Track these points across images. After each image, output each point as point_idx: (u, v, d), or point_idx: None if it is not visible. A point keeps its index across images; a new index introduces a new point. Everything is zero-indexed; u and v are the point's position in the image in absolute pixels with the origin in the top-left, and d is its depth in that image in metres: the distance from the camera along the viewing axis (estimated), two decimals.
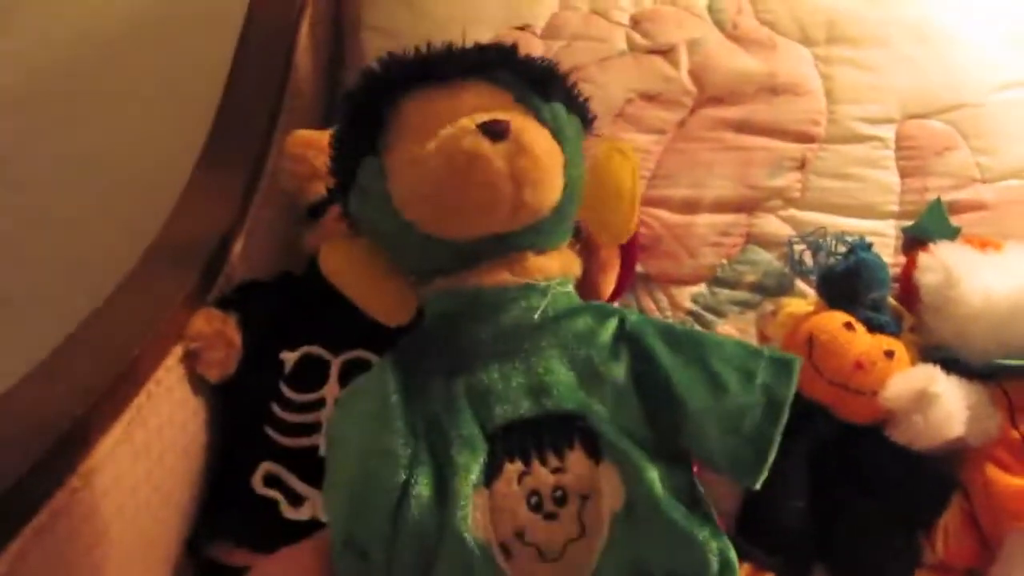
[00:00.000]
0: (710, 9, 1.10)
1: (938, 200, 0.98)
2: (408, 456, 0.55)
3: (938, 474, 0.85)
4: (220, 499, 0.84)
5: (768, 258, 1.00)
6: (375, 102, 0.63)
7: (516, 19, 1.08)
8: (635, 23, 1.09)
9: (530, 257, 0.63)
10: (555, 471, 0.55)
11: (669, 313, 0.98)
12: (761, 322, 0.97)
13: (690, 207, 1.01)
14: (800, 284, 0.99)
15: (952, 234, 0.95)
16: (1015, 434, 0.83)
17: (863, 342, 0.85)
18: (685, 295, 0.99)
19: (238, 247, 0.92)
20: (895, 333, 0.89)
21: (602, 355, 0.60)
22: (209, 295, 0.86)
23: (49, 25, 1.33)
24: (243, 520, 0.81)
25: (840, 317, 0.87)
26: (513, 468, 0.55)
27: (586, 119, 0.69)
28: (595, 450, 0.56)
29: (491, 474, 0.55)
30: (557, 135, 0.63)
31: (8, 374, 0.70)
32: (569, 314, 0.62)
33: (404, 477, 0.54)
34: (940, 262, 0.89)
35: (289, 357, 0.85)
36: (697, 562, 0.56)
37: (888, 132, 1.05)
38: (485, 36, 1.04)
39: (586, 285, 0.86)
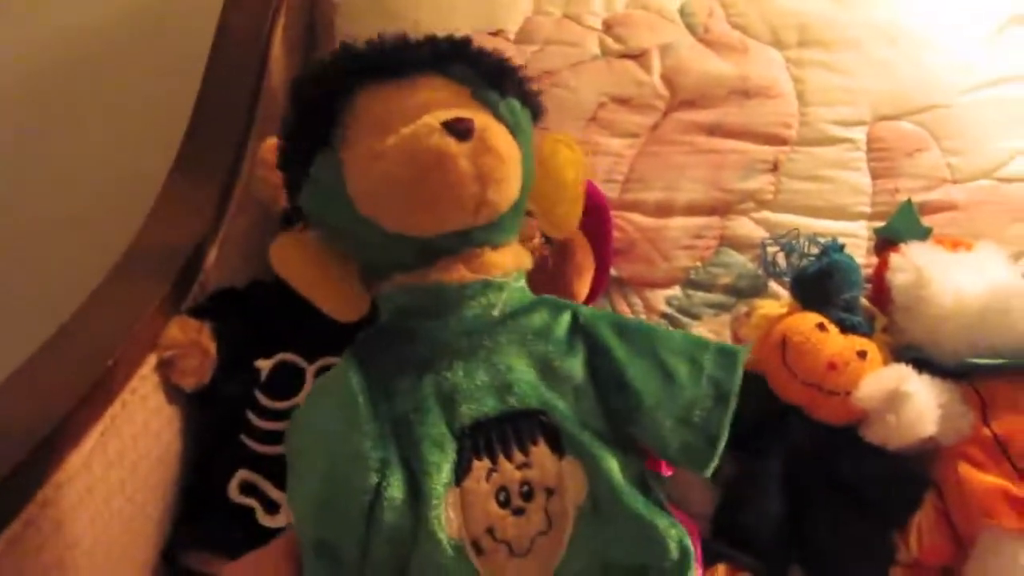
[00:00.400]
0: (682, 13, 1.11)
1: (909, 201, 0.98)
2: (378, 458, 0.55)
3: (911, 473, 0.85)
4: (196, 507, 0.84)
5: (741, 260, 1.00)
6: (327, 93, 0.62)
7: (489, 24, 1.08)
8: (608, 28, 1.09)
9: (487, 252, 0.63)
10: (521, 467, 0.56)
11: (644, 316, 0.98)
12: (735, 324, 0.98)
13: (663, 210, 1.01)
14: (773, 286, 0.99)
15: (923, 235, 0.96)
16: (987, 432, 0.83)
17: (836, 343, 0.86)
18: (660, 298, 0.99)
19: (212, 255, 0.92)
20: (867, 333, 0.89)
21: (559, 350, 0.61)
22: (183, 303, 0.86)
23: (19, 33, 1.32)
24: (219, 528, 0.80)
25: (813, 318, 0.88)
26: (481, 465, 0.56)
27: (537, 113, 0.69)
28: (558, 445, 0.57)
29: (460, 472, 0.55)
30: (513, 131, 0.63)
31: None
32: (525, 309, 0.63)
33: (376, 480, 0.54)
34: (911, 263, 0.90)
35: (264, 365, 0.85)
36: (658, 550, 0.57)
37: (859, 134, 1.05)
38: None
39: (560, 289, 0.87)
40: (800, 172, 1.03)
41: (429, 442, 0.56)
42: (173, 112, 1.03)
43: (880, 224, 1.00)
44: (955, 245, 0.94)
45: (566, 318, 0.63)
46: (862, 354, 0.86)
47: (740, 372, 0.63)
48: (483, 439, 0.57)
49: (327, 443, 0.56)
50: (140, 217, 0.92)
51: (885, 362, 0.87)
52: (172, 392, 0.82)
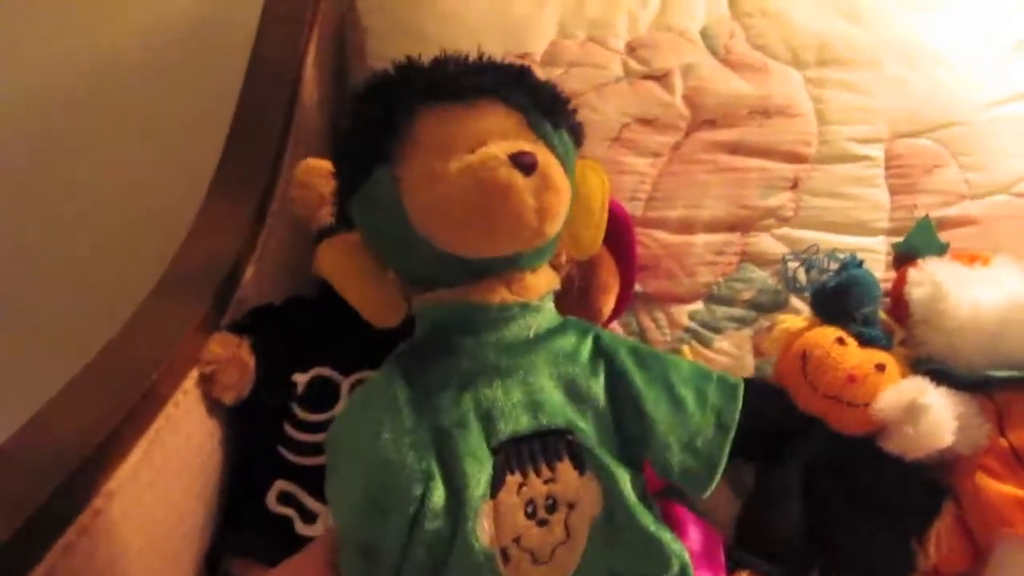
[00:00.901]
0: (703, 35, 1.12)
1: (926, 217, 0.99)
2: (423, 468, 0.57)
3: (930, 482, 0.87)
4: (236, 517, 0.86)
5: (763, 276, 1.02)
6: (389, 109, 0.62)
7: (516, 47, 1.10)
8: (631, 50, 1.11)
9: (527, 276, 0.64)
10: (547, 481, 0.58)
11: (668, 331, 1.00)
12: (757, 338, 0.99)
13: (686, 227, 1.03)
14: (794, 300, 1.01)
15: (941, 250, 0.97)
16: (1003, 443, 0.85)
17: (855, 356, 0.88)
18: (683, 313, 1.01)
19: (249, 273, 0.94)
20: (886, 347, 0.90)
21: (584, 373, 0.63)
22: (223, 320, 0.88)
23: (59, 58, 1.35)
24: (259, 537, 0.82)
25: (833, 332, 0.89)
26: (513, 480, 0.58)
27: (579, 143, 0.70)
28: (579, 462, 0.59)
29: (496, 486, 0.57)
30: (563, 162, 0.64)
31: (29, 401, 0.72)
32: (555, 332, 0.65)
33: (420, 490, 0.56)
34: (929, 277, 0.91)
35: (301, 379, 0.87)
36: (662, 563, 0.59)
37: (878, 151, 1.07)
38: None
39: (587, 306, 0.89)
40: (820, 189, 1.05)
41: (470, 457, 0.57)
42: (210, 136, 1.05)
43: (898, 240, 1.01)
44: (972, 260, 0.95)
45: (589, 341, 0.65)
46: (881, 367, 0.87)
47: (740, 403, 0.65)
48: (515, 455, 0.59)
49: (374, 450, 0.57)
50: (180, 238, 0.94)
51: (903, 375, 0.88)
52: (213, 406, 0.84)
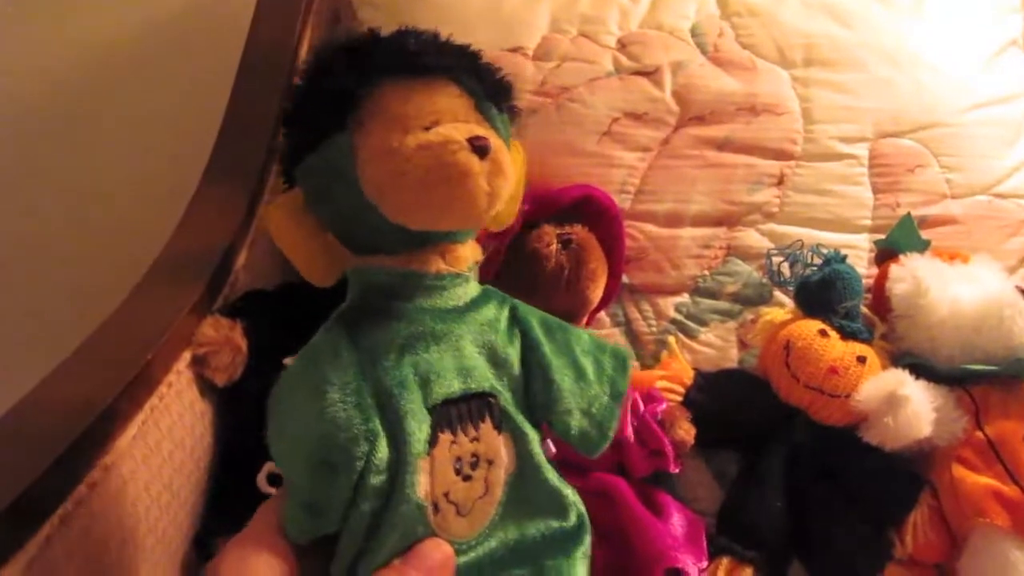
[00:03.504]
0: (693, 33, 1.13)
1: (908, 215, 1.00)
2: (368, 427, 0.59)
3: (908, 473, 0.88)
4: (226, 497, 0.86)
5: (748, 269, 1.03)
6: (352, 78, 0.63)
7: (509, 41, 1.11)
8: (622, 46, 1.12)
9: (459, 248, 0.67)
10: (473, 440, 0.61)
11: (654, 322, 1.01)
12: (741, 330, 1.01)
13: (674, 221, 1.04)
14: (778, 294, 1.02)
15: (922, 247, 0.98)
16: (980, 435, 0.86)
17: (837, 348, 0.89)
18: (669, 305, 1.02)
19: (242, 258, 0.94)
20: (867, 340, 0.92)
21: (503, 341, 0.66)
22: (215, 304, 0.88)
23: (52, 42, 1.35)
24: (249, 517, 0.83)
25: (815, 325, 0.91)
26: (445, 438, 0.60)
27: (513, 122, 0.73)
28: (498, 423, 0.62)
29: (431, 443, 0.60)
30: (505, 144, 0.67)
31: (23, 384, 0.72)
32: (480, 300, 0.67)
33: (366, 447, 0.58)
34: (910, 273, 0.93)
35: (292, 361, 0.88)
36: (564, 513, 0.64)
37: (862, 150, 1.08)
38: None
39: (576, 295, 0.91)
40: (805, 186, 1.06)
41: (411, 416, 0.59)
42: (205, 121, 1.05)
43: (881, 237, 1.03)
44: (952, 257, 0.97)
45: (507, 311, 0.68)
46: (862, 359, 0.89)
47: (630, 375, 0.69)
48: (447, 415, 0.61)
49: (322, 409, 0.59)
50: (173, 221, 0.94)
51: (884, 367, 0.90)
52: (205, 387, 0.84)
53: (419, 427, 0.59)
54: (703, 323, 1.01)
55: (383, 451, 0.58)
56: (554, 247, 0.88)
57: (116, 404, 0.72)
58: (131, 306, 0.84)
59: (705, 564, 0.85)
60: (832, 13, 1.15)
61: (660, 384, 0.92)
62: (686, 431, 0.87)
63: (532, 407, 0.66)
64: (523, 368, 0.66)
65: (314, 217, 0.66)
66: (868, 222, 1.06)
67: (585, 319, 0.97)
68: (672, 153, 1.07)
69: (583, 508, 0.66)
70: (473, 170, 0.60)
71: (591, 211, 0.93)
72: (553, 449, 0.77)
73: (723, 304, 1.02)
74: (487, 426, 0.62)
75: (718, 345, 1.01)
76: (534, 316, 0.69)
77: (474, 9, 1.13)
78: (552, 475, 0.64)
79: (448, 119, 0.63)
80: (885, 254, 1.00)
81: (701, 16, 1.15)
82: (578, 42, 1.12)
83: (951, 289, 0.91)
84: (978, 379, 0.89)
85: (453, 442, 0.60)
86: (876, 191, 1.07)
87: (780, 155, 1.07)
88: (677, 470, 0.87)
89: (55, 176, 1.35)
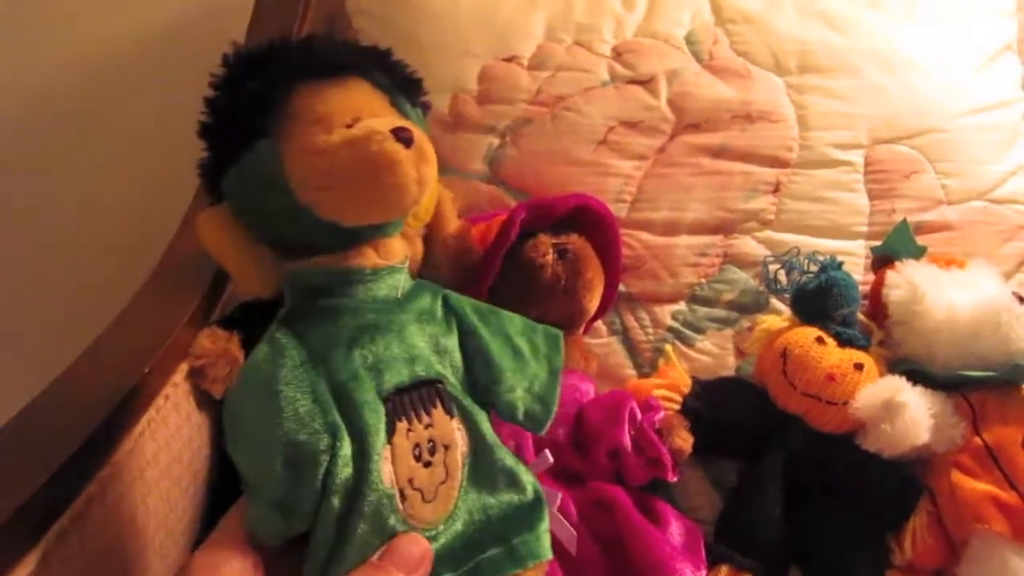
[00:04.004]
0: (688, 40, 1.14)
1: (904, 221, 1.00)
2: (329, 422, 0.59)
3: (906, 479, 0.88)
4: (224, 509, 0.86)
5: (744, 277, 1.03)
6: (266, 84, 0.64)
7: (504, 50, 1.12)
8: (617, 54, 1.12)
9: (391, 241, 0.68)
10: (427, 427, 0.62)
11: (651, 330, 1.01)
12: (738, 338, 1.01)
13: (670, 229, 1.04)
14: (775, 301, 1.02)
15: (918, 253, 0.98)
16: (978, 441, 0.86)
17: (834, 356, 0.89)
18: (666, 313, 1.02)
19: None
20: (864, 347, 0.92)
21: (442, 329, 0.68)
22: (212, 315, 0.88)
23: (48, 48, 1.35)
24: None
25: (812, 332, 0.91)
26: (402, 426, 0.61)
27: (426, 115, 0.75)
28: (449, 408, 0.64)
29: (389, 432, 0.61)
30: None
31: (20, 396, 0.72)
32: (415, 292, 0.69)
33: (330, 442, 0.59)
34: (906, 279, 0.93)
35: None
36: (520, 490, 0.65)
37: (858, 157, 1.08)
38: (474, 67, 1.09)
39: (573, 304, 0.90)
40: (801, 193, 1.07)
41: (368, 407, 0.61)
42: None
43: (877, 243, 1.03)
44: (949, 263, 0.97)
45: (440, 301, 0.70)
46: (859, 366, 0.89)
47: (563, 350, 0.71)
48: (400, 404, 0.62)
49: (281, 409, 0.59)
50: (170, 232, 0.95)
51: (881, 374, 0.90)
52: (202, 399, 0.84)
53: (376, 417, 0.61)
54: (700, 331, 1.02)
55: (347, 443, 0.59)
56: (550, 257, 0.88)
57: (113, 417, 0.72)
58: (128, 317, 0.84)
59: (704, 573, 0.84)
60: (826, 19, 1.15)
61: (658, 393, 0.92)
62: (684, 439, 0.87)
63: (475, 391, 0.67)
64: (463, 354, 0.68)
65: (244, 228, 0.68)
66: (864, 228, 1.06)
67: (582, 328, 0.97)
68: (668, 161, 1.07)
69: (538, 484, 0.67)
70: (400, 159, 0.62)
71: (587, 220, 0.93)
72: (551, 460, 0.78)
73: (720, 312, 1.02)
74: (439, 412, 0.63)
75: (715, 353, 1.01)
76: (466, 303, 0.70)
77: (469, 19, 1.13)
78: (506, 453, 0.65)
79: (367, 114, 0.65)
80: (881, 260, 1.00)
81: (696, 24, 1.15)
82: (573, 51, 1.13)
83: (947, 295, 0.91)
84: (975, 385, 0.89)
85: (409, 430, 0.62)
86: (872, 197, 1.07)
87: (776, 162, 1.07)
88: (675, 479, 0.86)
89: (52, 183, 1.35)
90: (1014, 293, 0.90)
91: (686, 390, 0.94)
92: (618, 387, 0.96)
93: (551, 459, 0.79)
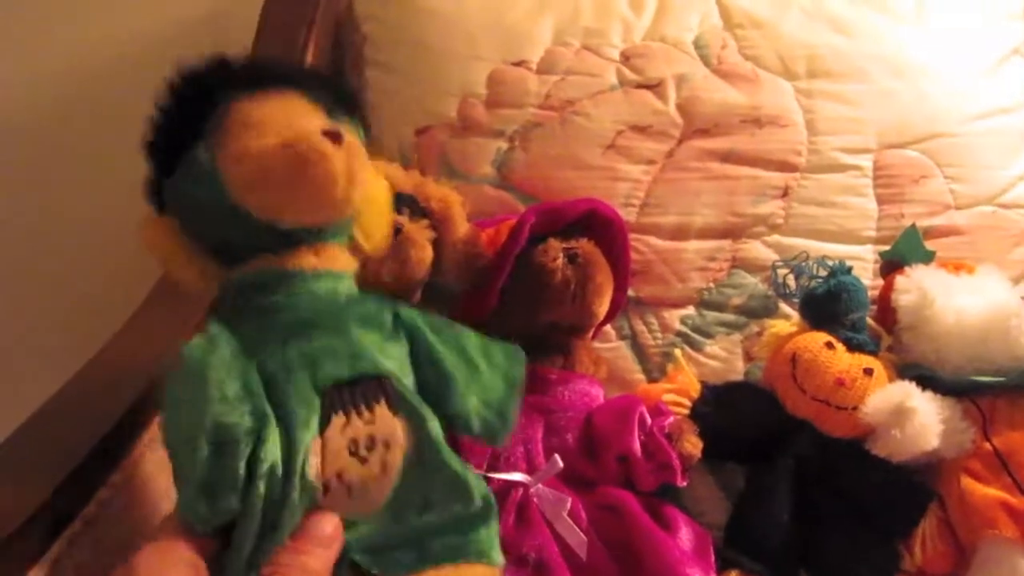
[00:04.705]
0: (696, 45, 1.13)
1: (914, 226, 1.00)
2: (257, 409, 0.60)
3: (915, 485, 0.88)
4: None
5: (753, 282, 1.03)
6: (205, 93, 0.66)
7: (512, 55, 1.11)
8: (625, 59, 1.12)
9: (332, 247, 0.69)
10: (367, 423, 0.62)
11: (660, 335, 1.01)
12: (747, 343, 1.01)
13: (679, 234, 1.04)
14: (784, 306, 1.02)
15: (927, 258, 0.98)
16: (988, 446, 0.86)
17: (843, 360, 0.89)
18: (675, 317, 1.02)
19: None
20: (873, 352, 0.92)
21: (387, 335, 0.68)
22: None
23: (59, 53, 1.35)
24: None
25: (821, 337, 0.91)
26: (338, 421, 0.62)
27: (366, 131, 0.76)
28: (394, 404, 0.64)
29: (322, 425, 0.61)
30: None
31: (26, 406, 0.73)
32: (360, 299, 0.70)
33: (257, 428, 0.59)
34: (916, 284, 0.93)
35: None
36: (467, 497, 0.66)
37: (866, 161, 1.08)
38: (483, 71, 1.10)
39: (582, 308, 0.91)
40: (809, 198, 1.06)
41: (298, 399, 0.61)
42: None
43: (885, 248, 1.03)
44: (958, 268, 0.97)
45: (389, 312, 0.70)
46: (868, 371, 0.88)
47: (524, 364, 0.72)
48: (338, 398, 0.63)
49: (209, 394, 0.59)
50: None
51: (890, 379, 0.89)
52: None
53: (308, 410, 0.61)
54: (709, 336, 1.01)
55: (274, 432, 0.59)
56: (560, 261, 0.88)
57: (123, 424, 0.73)
58: (136, 324, 0.86)
59: None
60: (834, 23, 1.15)
61: (667, 398, 0.92)
62: (693, 444, 0.87)
63: (430, 403, 0.67)
64: (414, 366, 0.68)
65: (186, 236, 0.68)
66: (873, 233, 1.06)
67: (591, 333, 0.97)
68: (677, 166, 1.07)
69: (488, 490, 0.67)
70: (328, 153, 0.63)
71: (597, 225, 0.93)
72: (560, 465, 0.77)
73: (729, 317, 1.02)
74: (382, 408, 0.63)
75: (724, 357, 1.01)
76: (419, 316, 0.71)
77: (477, 23, 1.13)
78: (454, 460, 0.66)
79: (302, 123, 0.66)
80: (890, 265, 1.00)
81: (704, 28, 1.15)
82: (582, 55, 1.12)
83: (957, 300, 0.91)
84: (985, 390, 0.89)
85: (347, 424, 0.62)
86: (880, 202, 1.07)
87: (784, 167, 1.07)
88: (684, 484, 0.86)
89: (53, 195, 1.35)
90: None
91: (695, 395, 0.93)
92: (627, 392, 0.96)
93: (560, 464, 0.79)
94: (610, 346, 1.01)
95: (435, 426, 0.65)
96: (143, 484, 0.74)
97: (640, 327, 1.02)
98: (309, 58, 1.15)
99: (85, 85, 1.36)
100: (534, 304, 0.88)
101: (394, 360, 0.67)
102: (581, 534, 0.79)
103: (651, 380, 1.00)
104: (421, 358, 0.69)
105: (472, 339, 0.72)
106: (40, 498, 0.63)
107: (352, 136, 0.67)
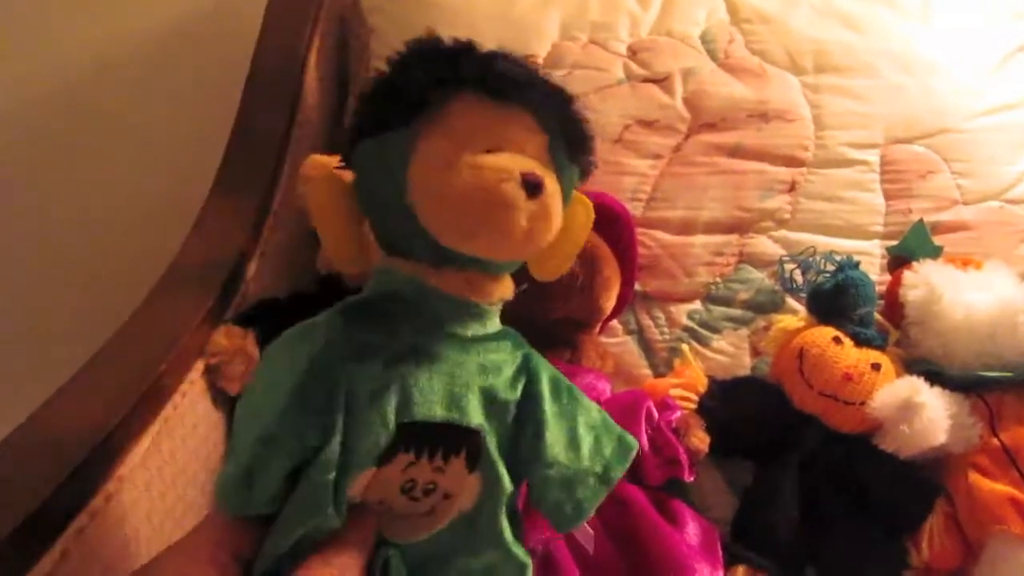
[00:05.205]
0: (703, 39, 1.14)
1: (921, 221, 1.00)
2: (327, 423, 0.58)
3: (923, 480, 0.88)
4: None
5: (760, 276, 1.03)
6: (431, 80, 0.61)
7: (520, 48, 1.05)
8: (632, 53, 1.12)
9: (487, 279, 0.65)
10: (435, 470, 0.60)
11: (667, 330, 1.01)
12: (754, 337, 1.01)
13: (686, 228, 1.04)
14: (791, 301, 1.02)
15: (935, 253, 0.98)
16: (995, 442, 0.86)
17: (851, 355, 0.89)
18: (682, 312, 1.02)
19: (252, 268, 0.95)
20: (881, 347, 0.92)
21: (505, 385, 0.64)
22: (227, 313, 0.89)
23: (63, 50, 1.36)
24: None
25: (829, 332, 0.91)
26: (404, 458, 0.59)
27: (584, 179, 0.69)
28: (474, 462, 0.61)
29: (384, 458, 0.59)
30: (564, 196, 0.65)
31: (36, 395, 0.72)
32: (492, 338, 0.66)
33: (318, 442, 0.57)
34: (923, 279, 0.93)
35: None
36: (506, 567, 0.63)
37: (873, 156, 1.08)
38: None
39: (589, 303, 0.90)
40: (816, 192, 1.06)
41: (373, 426, 0.58)
42: (213, 131, 1.06)
43: (893, 243, 1.02)
44: (965, 263, 0.97)
45: (519, 356, 0.66)
46: (876, 366, 0.88)
47: (628, 464, 0.67)
48: (416, 438, 0.59)
49: (289, 390, 0.57)
50: (183, 232, 0.95)
51: (898, 374, 0.89)
52: (218, 397, 0.84)
53: (376, 440, 0.58)
54: (716, 330, 1.01)
55: (334, 450, 0.57)
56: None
57: (130, 416, 0.72)
58: (143, 316, 0.85)
59: (721, 573, 0.84)
60: (842, 19, 1.15)
61: (674, 392, 0.91)
62: (700, 439, 0.87)
63: (516, 460, 0.64)
64: (517, 418, 0.64)
65: (354, 202, 0.65)
66: (880, 228, 1.06)
67: (598, 327, 0.96)
68: (684, 160, 1.07)
69: (529, 562, 0.64)
70: (515, 204, 0.58)
71: (604, 219, 0.93)
72: (591, 533, 0.75)
73: (736, 311, 1.02)
74: (458, 461, 0.60)
75: (731, 352, 1.01)
76: (546, 371, 0.67)
77: (484, 16, 1.13)
78: (507, 532, 0.63)
79: (512, 149, 0.61)
80: (898, 261, 1.00)
81: (711, 22, 1.15)
82: (589, 49, 1.13)
83: (965, 296, 0.91)
84: (992, 385, 0.89)
85: (412, 463, 0.59)
86: (888, 197, 1.07)
87: (791, 162, 1.07)
88: (692, 478, 0.86)
89: (65, 186, 1.35)
90: None
91: (702, 389, 0.93)
92: (634, 386, 0.96)
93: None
94: (617, 340, 1.01)
95: (506, 497, 0.62)
96: (151, 478, 0.74)
97: (647, 322, 1.02)
98: (314, 53, 1.15)
99: (87, 85, 1.37)
100: (543, 297, 0.88)
101: (500, 408, 0.63)
102: (588, 528, 0.78)
103: (658, 375, 1.00)
104: (526, 410, 0.64)
105: (590, 416, 0.67)
106: (46, 492, 0.62)
107: (555, 187, 0.62)
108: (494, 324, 0.67)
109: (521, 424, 0.64)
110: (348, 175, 0.65)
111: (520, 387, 0.65)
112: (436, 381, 0.61)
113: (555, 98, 0.64)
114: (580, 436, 0.65)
